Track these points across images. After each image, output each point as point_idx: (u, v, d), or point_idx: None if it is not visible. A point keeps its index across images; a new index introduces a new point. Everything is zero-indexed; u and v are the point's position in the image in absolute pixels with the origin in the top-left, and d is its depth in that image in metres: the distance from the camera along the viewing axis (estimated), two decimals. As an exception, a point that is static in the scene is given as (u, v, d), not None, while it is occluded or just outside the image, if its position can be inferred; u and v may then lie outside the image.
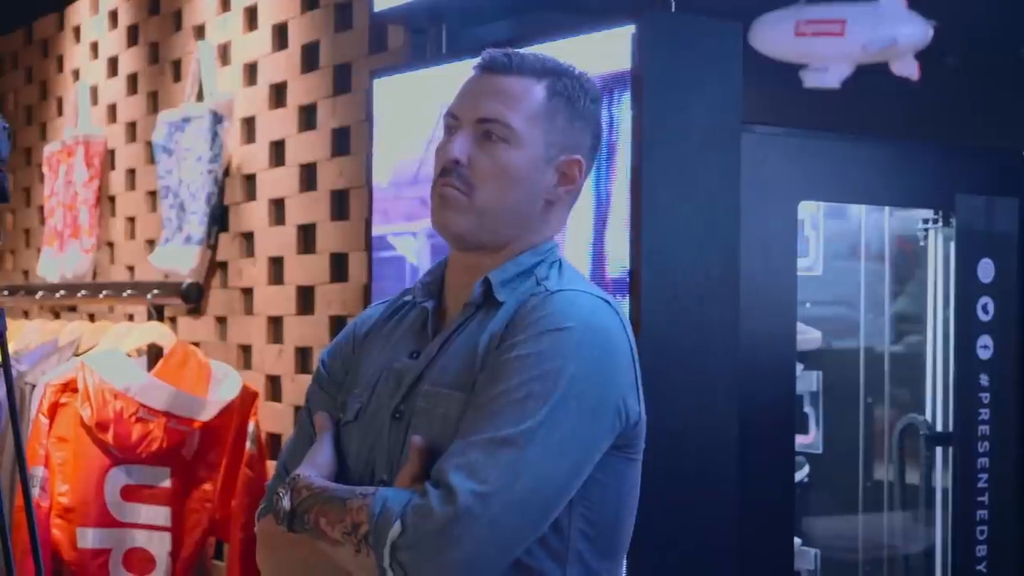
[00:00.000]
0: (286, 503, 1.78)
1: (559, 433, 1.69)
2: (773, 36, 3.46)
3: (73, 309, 5.36)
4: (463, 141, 1.84)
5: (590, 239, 2.63)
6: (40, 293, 5.13)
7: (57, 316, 5.43)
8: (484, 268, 1.86)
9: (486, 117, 1.83)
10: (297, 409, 4.04)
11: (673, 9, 2.67)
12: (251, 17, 4.37)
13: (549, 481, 1.70)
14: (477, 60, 1.90)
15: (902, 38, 3.35)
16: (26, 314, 5.57)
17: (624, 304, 2.54)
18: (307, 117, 4.08)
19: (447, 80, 2.89)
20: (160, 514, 3.88)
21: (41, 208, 5.77)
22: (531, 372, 1.71)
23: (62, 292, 4.93)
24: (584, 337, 1.74)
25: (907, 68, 3.38)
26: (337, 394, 1.95)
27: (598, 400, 1.74)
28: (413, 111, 3.17)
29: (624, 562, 1.87)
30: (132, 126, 5.14)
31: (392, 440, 1.83)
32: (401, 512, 1.67)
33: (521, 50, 1.90)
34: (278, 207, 4.20)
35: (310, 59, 4.09)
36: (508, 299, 1.82)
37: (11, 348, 3.57)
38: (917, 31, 3.35)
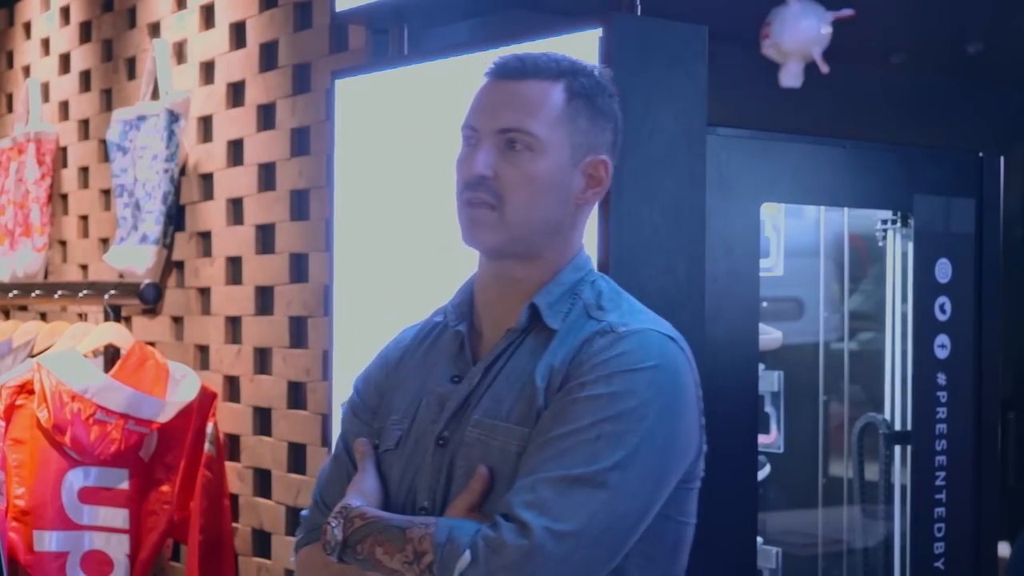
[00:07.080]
0: (338, 533, 1.75)
1: (632, 474, 1.69)
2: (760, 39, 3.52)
3: (24, 308, 5.31)
4: (486, 154, 1.79)
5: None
6: (-7, 292, 5.07)
7: (7, 315, 5.37)
8: (517, 279, 1.84)
9: (507, 127, 1.79)
10: (256, 410, 4.02)
11: (639, 13, 2.68)
12: (207, 15, 4.34)
13: (622, 520, 1.69)
14: (488, 67, 1.85)
15: (787, 36, 3.39)
16: (-24, 313, 5.51)
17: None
18: (265, 117, 4.05)
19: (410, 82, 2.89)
20: (118, 516, 3.85)
21: (-9, 206, 5.71)
22: (603, 413, 1.69)
23: (15, 291, 4.87)
24: (655, 378, 1.73)
25: (819, 64, 3.44)
26: (372, 420, 1.92)
27: (669, 440, 1.74)
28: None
29: None
30: (85, 124, 5.09)
31: (434, 467, 1.80)
32: (470, 542, 1.65)
33: (532, 52, 1.85)
34: (236, 206, 4.17)
35: (269, 58, 4.06)
36: (558, 325, 1.80)
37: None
38: (806, 27, 3.39)
